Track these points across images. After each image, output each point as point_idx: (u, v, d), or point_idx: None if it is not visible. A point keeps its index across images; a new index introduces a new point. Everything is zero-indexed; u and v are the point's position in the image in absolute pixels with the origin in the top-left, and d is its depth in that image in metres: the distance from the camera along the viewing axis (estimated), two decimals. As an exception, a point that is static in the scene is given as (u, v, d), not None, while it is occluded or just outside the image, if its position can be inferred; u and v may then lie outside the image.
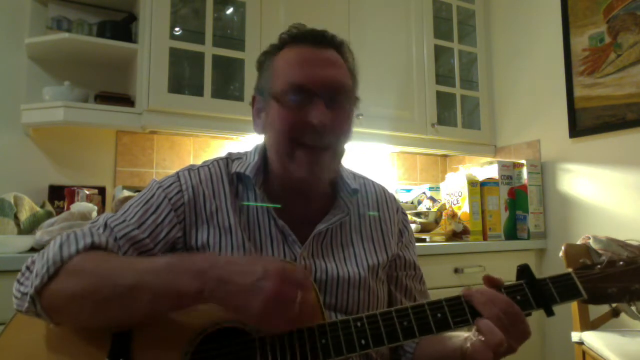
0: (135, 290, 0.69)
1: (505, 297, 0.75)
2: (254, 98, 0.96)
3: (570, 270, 0.80)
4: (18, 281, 0.77)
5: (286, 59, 0.88)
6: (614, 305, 0.79)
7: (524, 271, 0.79)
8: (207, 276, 0.68)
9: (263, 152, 0.94)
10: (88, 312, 0.72)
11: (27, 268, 0.77)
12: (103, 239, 0.79)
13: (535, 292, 0.77)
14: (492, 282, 0.79)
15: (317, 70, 0.85)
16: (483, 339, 0.71)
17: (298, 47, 0.89)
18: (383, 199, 1.03)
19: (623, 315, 1.57)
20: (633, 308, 0.77)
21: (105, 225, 0.83)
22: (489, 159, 2.47)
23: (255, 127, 0.96)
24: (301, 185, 0.90)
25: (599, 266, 0.79)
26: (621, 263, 0.78)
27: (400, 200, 2.51)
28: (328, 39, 0.90)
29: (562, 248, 1.66)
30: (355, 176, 1.03)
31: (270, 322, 0.68)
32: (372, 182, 1.06)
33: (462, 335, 0.81)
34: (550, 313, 0.76)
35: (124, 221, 0.84)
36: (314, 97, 0.84)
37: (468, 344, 0.75)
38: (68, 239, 0.77)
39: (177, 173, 0.92)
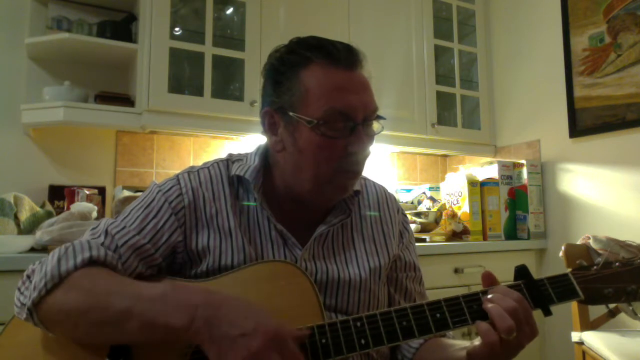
0: (126, 316, 0.69)
1: (517, 293, 0.75)
2: (266, 112, 0.89)
3: (567, 271, 0.80)
4: (19, 290, 0.77)
5: (320, 83, 0.83)
6: (611, 306, 0.79)
7: (521, 272, 0.79)
8: (198, 314, 0.68)
9: (264, 155, 0.94)
10: (81, 330, 0.72)
11: (28, 277, 0.78)
12: (102, 252, 0.78)
13: (533, 293, 0.77)
14: (490, 280, 0.79)
15: (357, 98, 0.83)
16: (493, 324, 0.70)
17: (332, 69, 0.83)
18: (384, 199, 1.03)
19: (622, 315, 1.58)
20: (631, 308, 0.77)
21: (106, 232, 0.83)
22: (489, 159, 2.47)
23: (271, 143, 0.90)
24: (315, 203, 0.90)
25: (595, 267, 0.79)
26: (617, 264, 0.78)
27: (400, 200, 2.52)
28: (360, 59, 0.87)
29: (562, 248, 1.66)
30: None
31: None
32: (373, 182, 1.06)
33: (466, 343, 0.80)
34: (547, 313, 0.76)
35: (124, 227, 0.83)
36: (354, 125, 0.83)
37: (475, 342, 0.75)
38: (66, 253, 0.77)
39: (177, 176, 0.91)
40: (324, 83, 0.83)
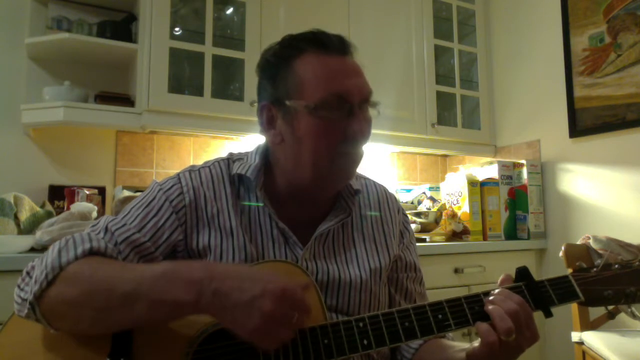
0: (132, 298, 0.69)
1: (519, 296, 0.75)
2: (264, 106, 0.89)
3: (568, 272, 0.80)
4: (18, 286, 0.77)
5: (315, 69, 0.84)
6: (610, 307, 0.80)
7: (522, 273, 0.79)
8: (204, 287, 0.67)
9: (264, 154, 0.94)
10: (86, 319, 0.71)
11: (27, 273, 0.77)
12: (102, 244, 0.78)
13: (534, 294, 0.77)
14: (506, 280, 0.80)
15: (351, 81, 0.84)
16: (494, 324, 0.71)
17: (324, 56, 0.85)
18: (384, 199, 1.03)
19: (622, 316, 1.58)
20: (630, 310, 0.77)
21: (106, 229, 0.82)
22: (489, 159, 2.47)
23: (269, 138, 0.90)
24: (319, 193, 0.90)
25: (594, 269, 0.80)
26: (616, 266, 0.79)
27: (401, 200, 2.52)
28: (350, 46, 0.88)
29: (562, 248, 1.66)
30: (357, 176, 1.02)
31: (262, 341, 0.67)
32: (374, 182, 1.06)
33: (466, 344, 0.81)
34: (548, 314, 0.76)
35: (124, 225, 0.83)
36: (351, 107, 0.84)
37: (475, 344, 0.75)
38: (67, 244, 0.76)
39: (178, 175, 0.91)
40: (318, 69, 0.84)
